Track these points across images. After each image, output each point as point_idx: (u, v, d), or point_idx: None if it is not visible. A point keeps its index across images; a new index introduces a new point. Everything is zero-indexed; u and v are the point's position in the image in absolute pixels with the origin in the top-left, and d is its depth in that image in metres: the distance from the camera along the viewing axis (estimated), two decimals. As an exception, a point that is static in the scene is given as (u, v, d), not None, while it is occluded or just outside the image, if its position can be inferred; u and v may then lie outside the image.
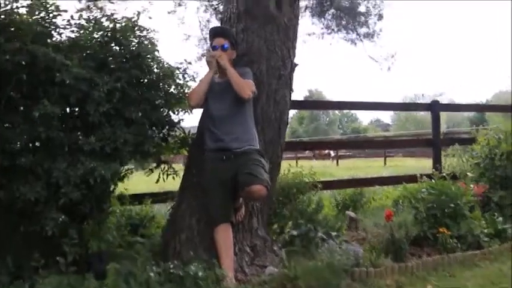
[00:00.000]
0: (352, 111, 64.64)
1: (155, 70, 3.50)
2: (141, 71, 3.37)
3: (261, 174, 3.10)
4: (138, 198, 4.63)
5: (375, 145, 6.02)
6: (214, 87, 3.36)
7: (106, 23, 3.45)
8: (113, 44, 3.44)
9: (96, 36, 3.44)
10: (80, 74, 2.89)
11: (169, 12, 9.54)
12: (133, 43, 3.50)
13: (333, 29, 8.54)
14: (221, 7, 8.49)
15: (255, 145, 3.32)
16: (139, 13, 3.69)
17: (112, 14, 3.60)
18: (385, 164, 22.58)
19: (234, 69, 3.34)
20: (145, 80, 3.47)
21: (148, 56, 3.51)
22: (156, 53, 3.58)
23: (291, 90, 3.75)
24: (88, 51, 3.26)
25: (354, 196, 6.30)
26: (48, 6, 3.23)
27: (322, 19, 8.51)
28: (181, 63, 3.67)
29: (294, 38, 3.70)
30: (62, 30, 3.29)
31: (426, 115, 47.31)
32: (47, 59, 2.84)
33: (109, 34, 3.47)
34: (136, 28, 3.56)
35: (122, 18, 3.62)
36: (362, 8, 8.33)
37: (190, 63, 3.62)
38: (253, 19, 3.57)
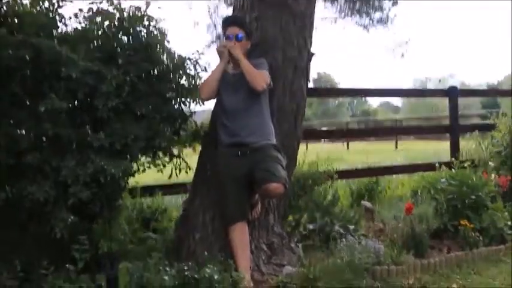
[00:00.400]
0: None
1: (165, 61, 3.33)
2: (151, 63, 3.22)
3: (278, 172, 2.95)
4: (149, 190, 4.51)
5: (390, 132, 5.86)
6: (228, 79, 3.20)
7: (113, 12, 3.30)
8: (120, 34, 3.29)
9: (104, 26, 3.31)
10: (87, 67, 2.74)
11: (178, -2, 9.30)
12: (142, 33, 3.35)
13: (346, 13, 8.25)
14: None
15: (272, 140, 3.17)
16: (148, 3, 3.53)
17: (119, 3, 3.45)
18: (396, 147, 22.39)
19: (247, 60, 3.18)
20: (155, 72, 3.31)
21: (158, 46, 3.35)
22: (165, 43, 3.43)
23: (307, 80, 3.58)
24: (95, 43, 3.11)
25: (369, 185, 6.17)
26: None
27: (336, 2, 8.21)
28: (192, 54, 3.50)
29: (310, 27, 3.52)
30: (68, 21, 3.16)
31: (437, 98, 47.01)
32: (52, 53, 2.70)
33: (116, 23, 3.32)
34: (145, 18, 3.41)
35: (130, 7, 3.47)
36: None
37: (202, 53, 3.44)
38: (268, 7, 3.38)
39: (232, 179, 3.12)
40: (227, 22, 3.28)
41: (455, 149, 6.37)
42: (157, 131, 3.18)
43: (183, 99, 3.50)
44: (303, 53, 3.48)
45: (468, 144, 6.59)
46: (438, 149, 18.11)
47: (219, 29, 9.64)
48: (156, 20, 3.53)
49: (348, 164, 9.05)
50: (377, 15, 8.48)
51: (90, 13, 3.21)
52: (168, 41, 3.51)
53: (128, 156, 3.00)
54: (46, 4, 3.05)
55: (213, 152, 3.34)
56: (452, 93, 6.53)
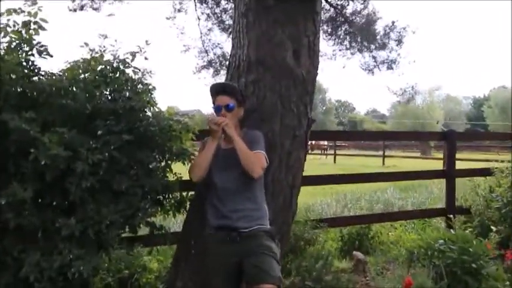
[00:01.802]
0: (350, 102, 64.31)
1: (151, 126, 2.98)
2: (133, 130, 2.87)
3: (273, 270, 2.63)
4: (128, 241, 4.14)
5: (387, 177, 5.64)
6: (219, 155, 2.86)
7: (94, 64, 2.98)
8: (104, 91, 2.95)
9: (84, 76, 2.97)
10: (58, 156, 2.37)
11: (168, 18, 8.86)
12: (125, 93, 3.02)
13: (347, 48, 7.87)
14: (225, 16, 7.88)
15: (265, 224, 2.84)
16: (134, 54, 3.19)
17: (102, 55, 3.11)
18: (383, 164, 22.32)
19: (241, 131, 2.86)
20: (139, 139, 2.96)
21: (144, 109, 3.02)
22: (152, 101, 3.11)
23: (306, 150, 3.26)
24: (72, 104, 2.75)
25: (361, 230, 5.90)
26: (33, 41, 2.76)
27: (335, 38, 7.82)
28: (182, 116, 3.17)
29: (312, 92, 3.19)
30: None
31: (424, 108, 47.18)
32: (19, 132, 2.33)
33: (97, 77, 2.99)
34: (129, 74, 3.09)
35: (114, 59, 3.13)
36: (380, 29, 7.67)
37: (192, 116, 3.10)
38: (267, 70, 3.05)
39: (220, 267, 2.78)
40: (216, 90, 2.94)
41: (451, 195, 6.11)
42: (138, 207, 2.83)
43: (169, 163, 3.18)
44: (303, 122, 3.16)
45: (464, 188, 6.40)
46: (426, 167, 18.10)
47: (211, 55, 9.33)
48: (142, 72, 3.23)
49: (338, 195, 8.81)
50: (381, 54, 8.12)
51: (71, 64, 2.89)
52: (155, 103, 3.19)
53: (102, 246, 2.62)
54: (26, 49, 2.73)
55: (198, 227, 3.00)
56: (450, 137, 6.26)
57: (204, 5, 8.09)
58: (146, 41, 3.29)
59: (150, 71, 3.28)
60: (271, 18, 3.03)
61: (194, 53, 9.59)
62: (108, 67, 3.10)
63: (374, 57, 8.05)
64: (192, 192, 3.31)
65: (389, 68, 8.40)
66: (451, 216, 5.69)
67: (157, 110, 3.28)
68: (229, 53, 3.33)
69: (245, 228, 2.74)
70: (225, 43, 8.52)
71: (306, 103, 3.15)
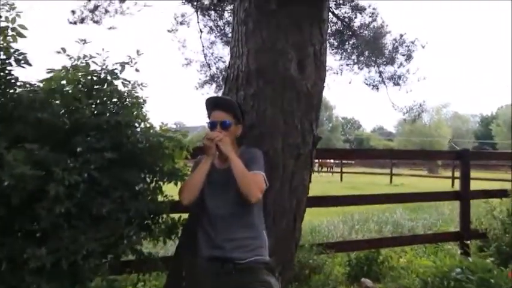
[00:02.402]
0: (356, 119, 64.01)
1: (139, 144, 2.68)
2: (118, 147, 2.56)
3: None
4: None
5: (397, 197, 5.35)
6: (213, 176, 2.55)
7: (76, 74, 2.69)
8: (85, 105, 2.65)
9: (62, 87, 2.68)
10: (24, 175, 2.06)
11: (169, 31, 8.62)
12: (111, 107, 2.72)
13: (354, 63, 7.52)
14: (228, 29, 7.61)
15: (263, 254, 2.51)
16: (123, 64, 2.90)
17: (87, 65, 2.82)
18: (391, 182, 21.90)
19: (238, 150, 2.55)
20: (124, 156, 2.65)
21: (132, 124, 2.72)
22: (142, 116, 2.81)
23: (311, 170, 2.94)
24: (49, 123, 2.45)
25: (370, 254, 5.55)
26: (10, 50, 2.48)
27: (342, 52, 7.49)
28: (174, 132, 2.87)
29: (317, 107, 2.89)
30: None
31: (431, 125, 46.75)
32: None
33: (81, 87, 2.71)
34: (118, 82, 2.80)
35: (101, 69, 2.84)
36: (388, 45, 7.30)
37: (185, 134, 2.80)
38: (268, 82, 2.75)
39: (212, 303, 2.45)
40: (211, 105, 2.64)
41: (465, 217, 5.76)
42: (122, 234, 2.51)
43: (159, 184, 2.87)
44: (308, 139, 2.84)
45: (478, 211, 6.07)
46: (434, 186, 17.67)
47: (213, 69, 9.03)
48: (132, 85, 2.93)
49: (345, 215, 8.43)
50: (388, 69, 7.74)
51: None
52: (145, 118, 2.89)
53: (78, 279, 2.30)
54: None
55: (190, 257, 2.67)
56: (464, 157, 5.92)
57: (207, 17, 7.85)
58: (137, 51, 3.00)
59: (142, 83, 2.98)
60: (273, 24, 2.74)
61: (196, 67, 9.36)
62: (94, 78, 2.81)
63: (380, 73, 7.69)
64: (185, 216, 2.99)
65: (396, 84, 8.03)
66: (466, 241, 5.37)
67: (148, 125, 2.98)
68: (228, 64, 3.04)
69: (241, 259, 2.42)
70: (228, 57, 8.26)
71: (311, 119, 2.84)
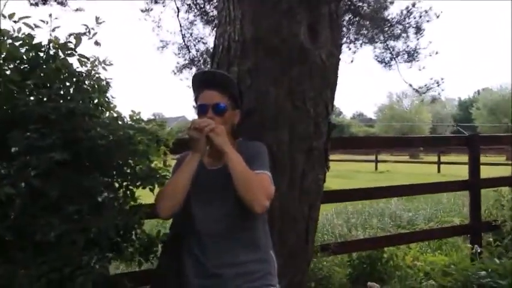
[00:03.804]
0: (337, 106, 63.74)
1: (100, 140, 2.00)
2: (71, 144, 1.89)
3: None
4: None
5: (400, 190, 4.84)
6: (202, 179, 1.90)
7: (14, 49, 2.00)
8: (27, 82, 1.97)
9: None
10: None
11: (143, 11, 7.81)
12: (64, 91, 2.04)
13: (351, 41, 6.81)
14: (208, 7, 6.88)
15: (273, 283, 1.87)
16: (78, 36, 2.20)
17: (30, 36, 2.11)
18: (376, 169, 21.55)
19: (235, 143, 1.91)
20: (80, 158, 1.98)
21: (92, 113, 2.05)
22: (104, 110, 2.14)
23: (326, 166, 2.30)
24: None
25: (373, 254, 5.00)
26: None
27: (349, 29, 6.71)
28: (148, 122, 2.21)
29: (334, 85, 2.24)
30: None
31: (411, 110, 46.73)
32: None
33: (23, 65, 2.03)
34: (73, 60, 2.11)
35: (49, 41, 2.14)
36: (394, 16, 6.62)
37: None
38: (270, 53, 2.09)
39: None
40: (200, 83, 1.96)
41: (475, 207, 5.23)
42: (79, 263, 1.84)
43: (131, 190, 2.21)
44: (322, 128, 2.20)
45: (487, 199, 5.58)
46: (420, 172, 17.37)
47: (193, 51, 8.23)
48: (92, 63, 2.25)
49: (338, 207, 7.86)
50: (397, 45, 6.93)
51: None
52: (109, 101, 2.24)
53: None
54: None
55: (175, 283, 2.03)
56: (473, 142, 5.36)
57: (184, -6, 7.09)
58: (97, 19, 2.30)
59: (105, 61, 2.29)
60: (275, -24, 2.08)
61: (173, 49, 8.55)
62: (39, 53, 2.12)
63: (391, 49, 6.96)
64: (166, 231, 2.33)
65: (409, 60, 7.26)
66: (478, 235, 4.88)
67: (115, 115, 2.31)
68: (215, 34, 2.36)
69: None
70: (210, 37, 7.49)
71: (327, 100, 2.19)
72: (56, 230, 1.75)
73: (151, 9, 7.89)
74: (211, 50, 2.49)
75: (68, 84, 2.14)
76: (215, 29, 2.31)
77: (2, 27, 2.02)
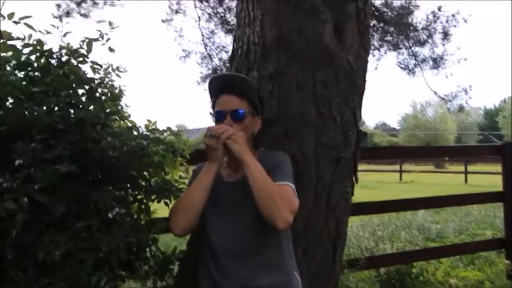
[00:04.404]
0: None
1: (112, 151, 1.88)
2: (80, 156, 1.76)
3: None
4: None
5: (436, 202, 4.66)
6: (220, 192, 1.74)
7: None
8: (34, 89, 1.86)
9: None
10: None
11: (164, 21, 7.74)
12: (75, 99, 1.92)
13: (375, 48, 6.56)
14: (229, 16, 6.79)
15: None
16: (90, 41, 2.08)
17: (40, 43, 2.01)
18: (400, 179, 21.09)
19: (255, 153, 1.75)
20: (91, 170, 1.85)
21: (103, 122, 1.93)
22: (121, 118, 2.02)
23: (355, 178, 2.13)
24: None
25: (402, 269, 4.76)
26: None
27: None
28: (163, 132, 2.08)
29: (362, 90, 2.06)
30: None
31: (436, 119, 45.93)
32: None
33: (33, 73, 1.93)
34: (86, 67, 2.00)
35: (60, 48, 2.03)
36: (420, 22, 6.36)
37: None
38: (293, 56, 1.93)
39: None
40: (218, 87, 1.81)
41: (510, 219, 4.96)
42: (88, 286, 1.70)
43: (145, 204, 2.08)
44: (350, 136, 2.02)
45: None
46: (445, 182, 16.90)
47: (216, 61, 8.10)
48: (105, 70, 2.14)
49: (363, 220, 7.60)
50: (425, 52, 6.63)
51: None
52: (123, 110, 2.12)
53: None
54: None
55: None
56: (507, 151, 5.08)
57: (205, 3, 6.97)
58: (110, 23, 2.19)
59: (118, 68, 2.17)
60: (298, -27, 1.92)
61: (196, 59, 8.47)
62: (50, 60, 2.00)
63: (414, 55, 6.69)
64: (183, 247, 2.18)
65: (435, 67, 6.94)
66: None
67: (129, 124, 2.19)
68: (233, 37, 2.22)
69: None
70: (231, 46, 7.39)
71: (355, 107, 2.02)
72: (62, 249, 1.61)
73: (172, 20, 7.84)
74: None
75: (80, 92, 2.03)
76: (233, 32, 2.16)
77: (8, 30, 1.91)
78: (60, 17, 8.13)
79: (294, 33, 1.91)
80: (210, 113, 1.82)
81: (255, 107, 1.78)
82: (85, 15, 8.13)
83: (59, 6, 8.21)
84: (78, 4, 8.13)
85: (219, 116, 1.73)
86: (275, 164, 1.71)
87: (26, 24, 1.79)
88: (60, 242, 1.62)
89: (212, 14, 6.94)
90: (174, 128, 2.34)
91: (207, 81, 8.55)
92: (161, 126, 2.20)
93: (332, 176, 1.97)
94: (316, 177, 1.95)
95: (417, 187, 16.28)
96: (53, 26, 2.08)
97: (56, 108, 1.90)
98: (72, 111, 1.90)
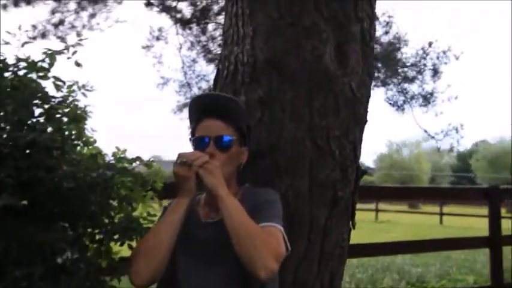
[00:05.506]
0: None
1: (67, 181, 1.57)
2: (28, 188, 1.45)
3: None
4: None
5: (415, 247, 4.41)
6: (195, 234, 1.44)
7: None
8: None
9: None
10: None
11: (144, 47, 7.53)
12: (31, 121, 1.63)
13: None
14: (212, 45, 6.60)
15: None
16: (53, 54, 1.79)
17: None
18: (376, 218, 20.98)
19: (239, 190, 1.47)
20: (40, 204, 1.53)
21: (59, 147, 1.63)
22: (81, 144, 1.74)
23: (352, 223, 1.85)
24: None
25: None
26: None
27: None
28: (131, 161, 1.79)
29: (364, 120, 1.82)
30: None
31: (411, 158, 46.47)
32: None
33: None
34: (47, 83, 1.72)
35: (18, 60, 1.74)
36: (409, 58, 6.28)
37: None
38: (287, 79, 1.67)
39: None
40: (199, 109, 1.53)
41: (496, 267, 4.77)
42: None
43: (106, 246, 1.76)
44: (350, 173, 1.75)
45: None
46: (420, 223, 16.82)
47: (195, 89, 7.85)
48: (69, 88, 1.86)
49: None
50: (412, 88, 6.52)
51: None
52: (86, 134, 1.83)
53: None
54: None
55: None
56: (493, 195, 4.91)
57: (187, 31, 6.77)
58: (78, 34, 1.91)
59: (84, 86, 1.89)
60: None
61: (174, 87, 8.23)
62: (6, 74, 1.71)
63: (403, 91, 6.53)
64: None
65: (424, 104, 6.79)
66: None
67: (92, 151, 1.89)
68: (220, 56, 1.96)
69: None
70: (212, 75, 7.21)
71: (355, 139, 1.76)
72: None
73: (153, 46, 7.63)
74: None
75: (38, 112, 1.74)
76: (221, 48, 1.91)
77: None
78: (34, 38, 7.83)
79: (289, 53, 1.66)
80: (190, 139, 1.53)
81: (242, 134, 1.50)
82: (62, 38, 7.86)
83: (34, 27, 7.92)
84: (56, 26, 7.86)
85: (200, 143, 1.44)
86: (262, 201, 1.43)
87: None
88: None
89: (195, 42, 6.74)
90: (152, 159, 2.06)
91: (184, 109, 8.19)
92: (132, 155, 1.91)
93: (327, 220, 1.69)
94: (309, 222, 1.66)
95: (394, 227, 16.08)
96: (8, 32, 1.81)
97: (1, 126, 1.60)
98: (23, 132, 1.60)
